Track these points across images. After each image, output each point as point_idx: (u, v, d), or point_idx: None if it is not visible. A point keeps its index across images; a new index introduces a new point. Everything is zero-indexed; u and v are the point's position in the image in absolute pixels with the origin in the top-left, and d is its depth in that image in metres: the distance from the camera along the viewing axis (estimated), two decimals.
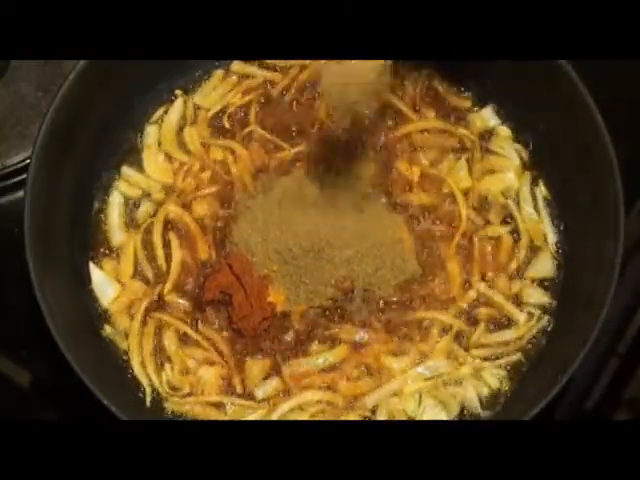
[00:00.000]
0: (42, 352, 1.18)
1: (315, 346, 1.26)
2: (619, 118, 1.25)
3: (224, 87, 1.42)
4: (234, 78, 1.43)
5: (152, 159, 1.38)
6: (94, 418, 1.13)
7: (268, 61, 1.43)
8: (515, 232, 1.33)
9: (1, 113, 1.48)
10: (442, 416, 1.24)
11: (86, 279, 1.30)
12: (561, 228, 1.33)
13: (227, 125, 1.39)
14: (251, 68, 1.43)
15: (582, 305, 1.23)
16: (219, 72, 1.43)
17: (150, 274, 1.31)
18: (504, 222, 1.34)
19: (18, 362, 1.39)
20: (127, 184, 1.36)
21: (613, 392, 1.37)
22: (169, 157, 1.38)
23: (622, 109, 1.44)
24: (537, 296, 1.30)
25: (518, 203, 1.35)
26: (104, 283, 1.30)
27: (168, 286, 1.29)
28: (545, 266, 1.31)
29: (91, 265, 1.31)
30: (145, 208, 1.35)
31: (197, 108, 1.41)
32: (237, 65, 1.43)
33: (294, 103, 1.41)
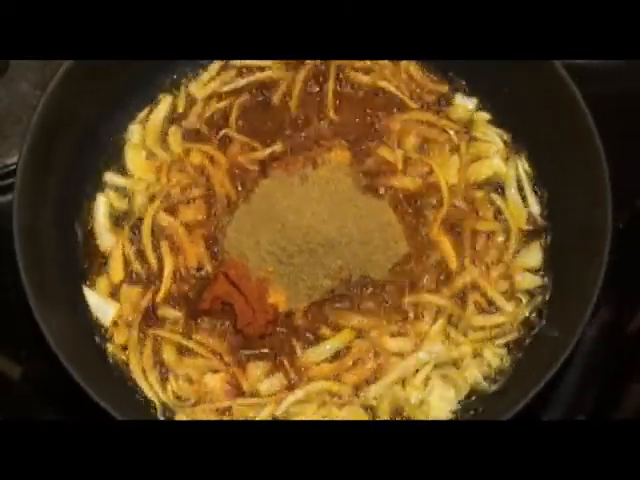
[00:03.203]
0: (41, 352, 1.18)
1: (319, 335, 1.26)
2: (614, 117, 1.25)
3: (216, 80, 1.42)
4: (230, 71, 1.43)
5: (136, 156, 1.37)
6: (94, 418, 1.13)
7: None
8: (504, 222, 1.33)
9: (1, 112, 1.48)
10: (451, 394, 1.25)
11: (83, 303, 1.29)
12: (550, 217, 1.34)
13: (204, 130, 1.38)
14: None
15: (572, 291, 1.24)
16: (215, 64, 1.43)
17: (143, 274, 1.30)
18: (494, 214, 1.34)
19: (17, 361, 1.39)
20: (112, 188, 1.35)
21: (613, 392, 1.37)
22: (151, 154, 1.38)
23: (616, 107, 1.44)
24: (527, 284, 1.31)
25: (504, 192, 1.35)
26: (101, 303, 1.29)
27: (161, 294, 1.28)
28: (534, 255, 1.32)
29: (85, 289, 1.30)
30: (132, 207, 1.34)
31: (190, 99, 1.41)
32: None
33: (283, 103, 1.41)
